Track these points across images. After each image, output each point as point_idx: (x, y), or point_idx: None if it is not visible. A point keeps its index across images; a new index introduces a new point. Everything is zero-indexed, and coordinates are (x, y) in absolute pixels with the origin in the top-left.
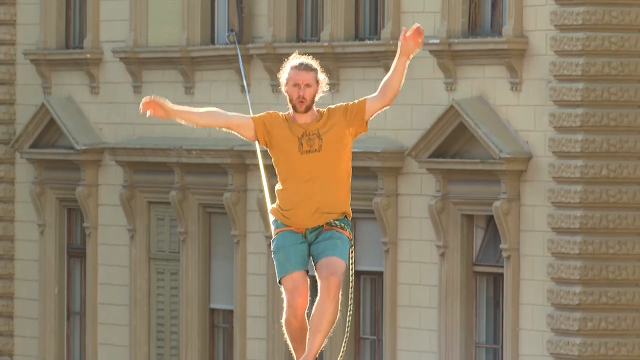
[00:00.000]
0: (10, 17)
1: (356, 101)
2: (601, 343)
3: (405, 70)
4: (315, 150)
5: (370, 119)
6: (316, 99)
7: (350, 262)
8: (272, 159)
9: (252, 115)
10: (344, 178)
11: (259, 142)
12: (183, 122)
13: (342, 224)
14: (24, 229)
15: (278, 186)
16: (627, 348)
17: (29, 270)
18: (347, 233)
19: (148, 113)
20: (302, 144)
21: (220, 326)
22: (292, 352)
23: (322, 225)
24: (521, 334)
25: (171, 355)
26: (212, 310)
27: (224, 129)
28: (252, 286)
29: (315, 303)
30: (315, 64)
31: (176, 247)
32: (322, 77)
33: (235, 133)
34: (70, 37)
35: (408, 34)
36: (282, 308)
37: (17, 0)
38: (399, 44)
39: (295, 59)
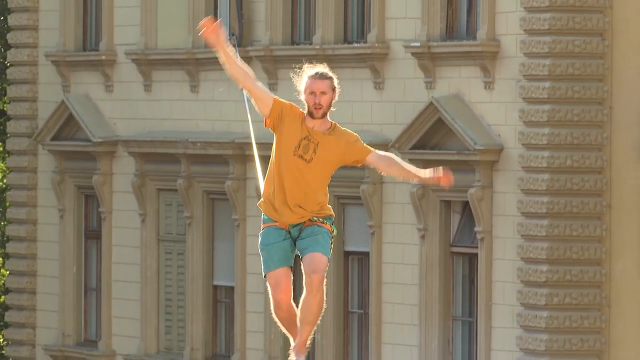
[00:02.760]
0: (33, 22)
1: (363, 145)
2: (566, 316)
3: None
4: (306, 160)
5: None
6: (332, 106)
7: (330, 250)
8: (273, 143)
9: (274, 96)
10: (322, 190)
11: (266, 123)
12: (222, 59)
13: (322, 219)
14: (45, 214)
15: (266, 177)
16: (589, 321)
17: (50, 250)
18: (328, 226)
19: (202, 32)
20: (299, 146)
21: (222, 301)
22: (287, 334)
23: (304, 222)
24: (494, 308)
25: (178, 328)
26: (215, 287)
27: (245, 92)
28: (251, 265)
29: (302, 297)
30: (330, 72)
31: (182, 230)
32: (337, 84)
33: (253, 103)
34: (87, 40)
35: (443, 182)
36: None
37: (39, 8)
38: (431, 173)
39: (312, 69)
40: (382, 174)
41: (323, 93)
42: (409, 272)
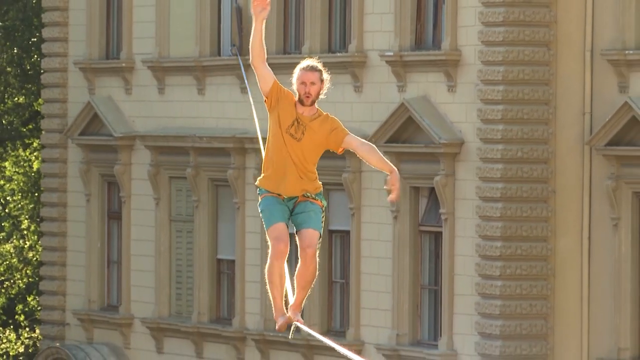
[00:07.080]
0: (64, 35)
1: (342, 130)
2: (517, 285)
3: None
4: (297, 139)
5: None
6: (321, 95)
7: (322, 224)
8: (269, 122)
9: (276, 79)
10: (311, 169)
11: (265, 100)
12: (255, 29)
13: (314, 195)
14: (74, 198)
15: (264, 155)
16: (537, 289)
17: (78, 229)
18: (319, 202)
19: (256, 4)
20: (292, 125)
21: (225, 272)
22: (271, 299)
23: (298, 197)
24: (456, 278)
25: (187, 295)
26: (219, 260)
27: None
28: (250, 242)
29: (298, 267)
30: (320, 65)
31: (191, 212)
32: (326, 76)
33: (256, 79)
34: (110, 50)
35: (393, 195)
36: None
37: (69, 22)
38: (391, 180)
39: (304, 62)
40: (361, 158)
41: (312, 83)
42: (383, 247)
